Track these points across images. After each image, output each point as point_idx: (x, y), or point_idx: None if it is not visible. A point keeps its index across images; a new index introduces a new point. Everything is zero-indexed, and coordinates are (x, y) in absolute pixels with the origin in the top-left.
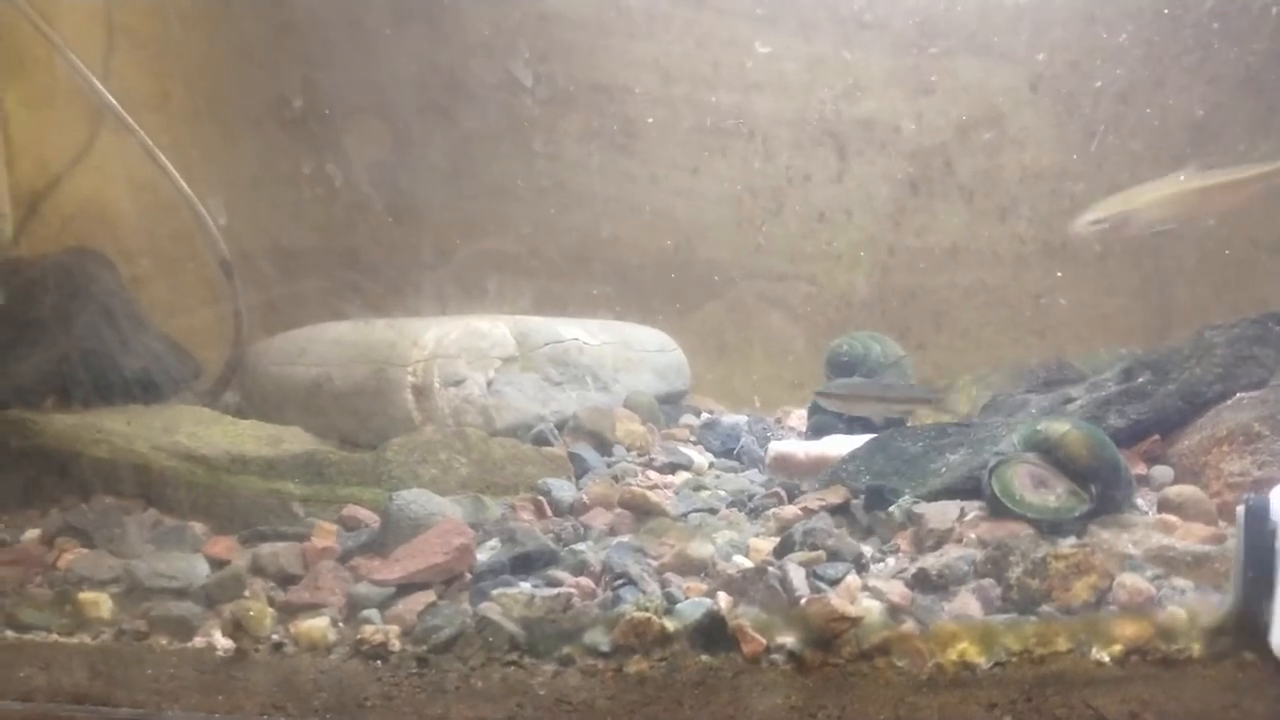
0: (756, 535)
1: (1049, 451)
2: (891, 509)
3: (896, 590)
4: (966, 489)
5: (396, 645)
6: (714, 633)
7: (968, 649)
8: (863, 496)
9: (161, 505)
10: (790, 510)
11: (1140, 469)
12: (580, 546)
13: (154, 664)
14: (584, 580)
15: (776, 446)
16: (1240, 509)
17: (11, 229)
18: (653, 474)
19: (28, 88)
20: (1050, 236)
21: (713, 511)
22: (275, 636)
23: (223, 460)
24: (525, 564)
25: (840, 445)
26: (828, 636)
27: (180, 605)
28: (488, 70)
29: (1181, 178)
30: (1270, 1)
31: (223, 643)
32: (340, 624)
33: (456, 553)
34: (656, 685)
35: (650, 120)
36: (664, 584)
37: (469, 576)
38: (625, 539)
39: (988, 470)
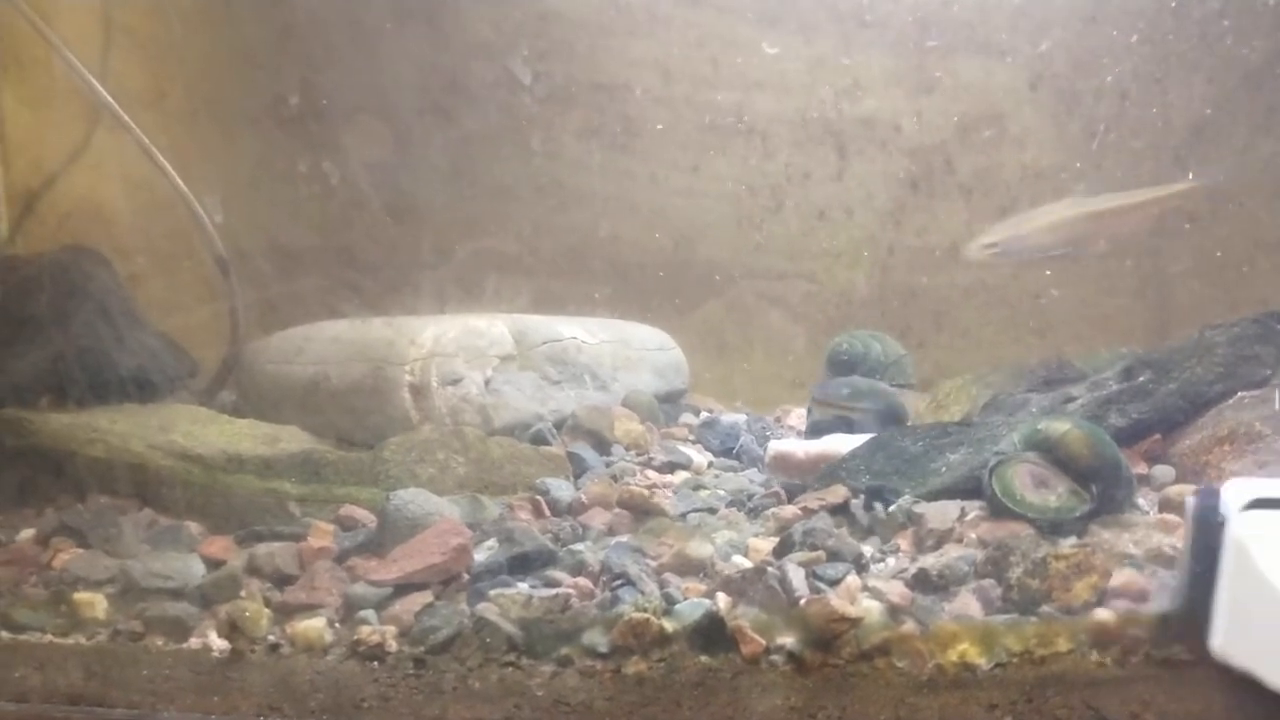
0: (756, 535)
1: (1050, 451)
2: (891, 509)
3: (896, 590)
4: (967, 489)
5: (393, 646)
6: (713, 633)
7: (968, 649)
8: (863, 496)
9: (157, 505)
10: (789, 510)
11: (1141, 468)
12: (578, 546)
13: (149, 665)
14: (582, 581)
15: (776, 445)
16: (1189, 500)
17: (8, 227)
18: (651, 473)
19: (25, 86)
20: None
21: (712, 511)
22: (271, 637)
23: (219, 459)
24: (523, 564)
25: (840, 444)
26: (827, 637)
27: (176, 605)
28: (487, 69)
29: (1072, 203)
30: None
31: (218, 643)
32: (337, 624)
33: (454, 553)
34: (655, 686)
35: (650, 119)
36: (663, 584)
37: (466, 577)
38: (624, 539)
39: (988, 470)
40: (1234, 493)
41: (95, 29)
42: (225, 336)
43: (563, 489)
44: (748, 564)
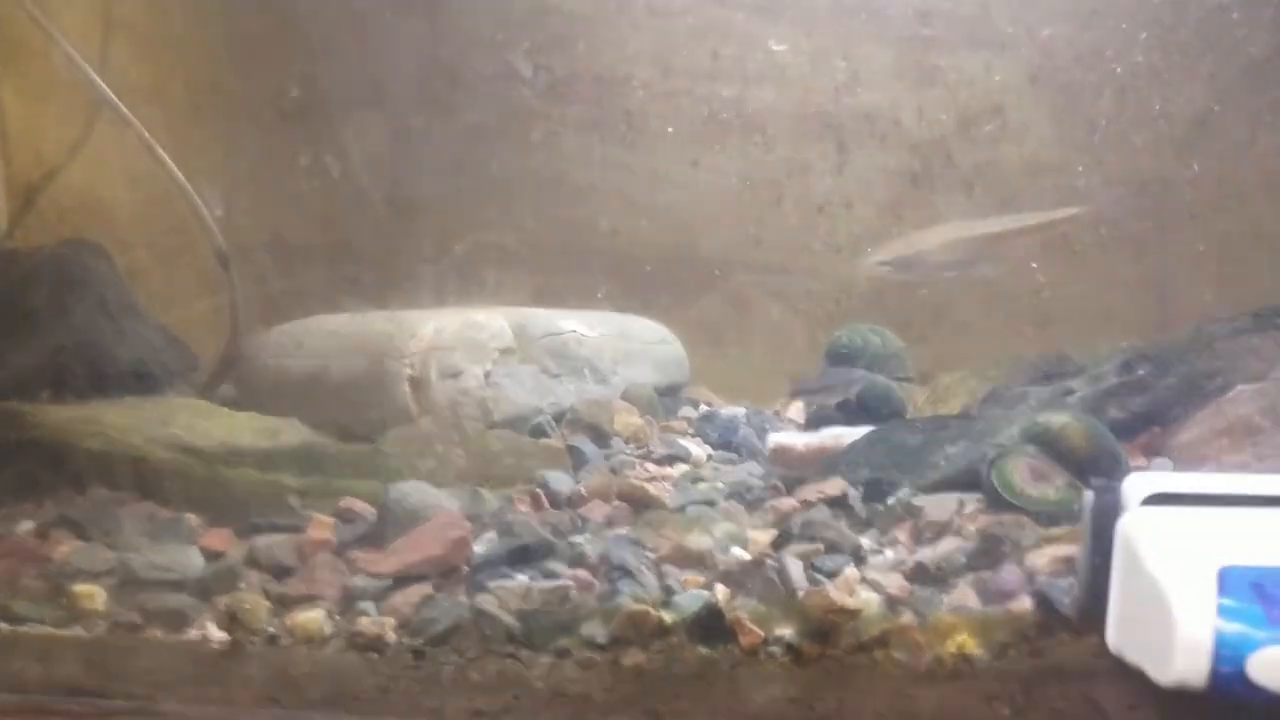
0: (754, 527)
1: (1049, 444)
2: (890, 501)
3: (895, 582)
4: (966, 481)
5: (392, 637)
6: (712, 625)
7: (966, 641)
8: (861, 489)
9: (157, 497)
10: (788, 502)
11: (1140, 461)
12: (578, 539)
13: (149, 656)
14: (581, 572)
15: (776, 438)
16: (1088, 494)
17: (7, 220)
18: (651, 466)
19: (24, 79)
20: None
21: (711, 504)
22: (270, 629)
23: (219, 452)
24: (522, 556)
25: (840, 436)
26: (826, 628)
27: (175, 597)
28: (487, 62)
29: (960, 225)
30: None
31: (217, 635)
32: (336, 616)
33: (453, 545)
34: (654, 677)
35: (650, 112)
36: (662, 576)
37: (466, 569)
38: (623, 531)
39: (987, 463)
40: (1132, 488)
41: (95, 22)
42: (225, 330)
43: (562, 482)
44: (746, 556)
